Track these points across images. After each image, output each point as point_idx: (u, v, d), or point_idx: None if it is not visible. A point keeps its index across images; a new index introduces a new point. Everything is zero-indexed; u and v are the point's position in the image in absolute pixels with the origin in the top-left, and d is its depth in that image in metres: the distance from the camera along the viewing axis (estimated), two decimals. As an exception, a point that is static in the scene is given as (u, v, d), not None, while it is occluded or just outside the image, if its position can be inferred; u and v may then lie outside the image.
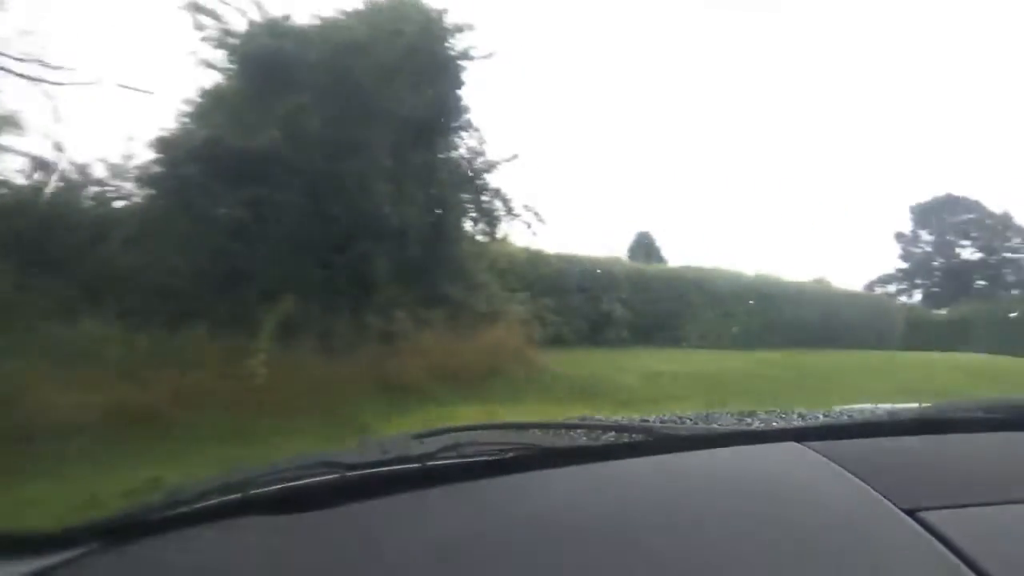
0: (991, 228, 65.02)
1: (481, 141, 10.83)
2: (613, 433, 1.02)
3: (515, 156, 10.89)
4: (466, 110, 10.74)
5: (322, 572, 0.68)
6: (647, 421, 1.10)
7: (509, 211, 10.89)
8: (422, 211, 9.66)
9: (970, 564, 0.61)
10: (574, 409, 7.76)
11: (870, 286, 63.51)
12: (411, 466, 0.85)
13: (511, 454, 0.89)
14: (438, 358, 9.16)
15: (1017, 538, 0.68)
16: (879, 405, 1.31)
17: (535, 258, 15.35)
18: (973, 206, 65.57)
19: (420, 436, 1.05)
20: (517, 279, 13.51)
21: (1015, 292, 43.83)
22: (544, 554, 0.67)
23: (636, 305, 16.40)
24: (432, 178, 10.11)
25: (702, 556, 0.66)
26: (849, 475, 0.79)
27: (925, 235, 68.22)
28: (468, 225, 11.03)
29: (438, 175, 10.22)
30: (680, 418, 1.22)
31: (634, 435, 0.99)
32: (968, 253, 65.18)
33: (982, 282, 57.67)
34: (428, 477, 0.84)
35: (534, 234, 10.90)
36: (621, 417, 1.24)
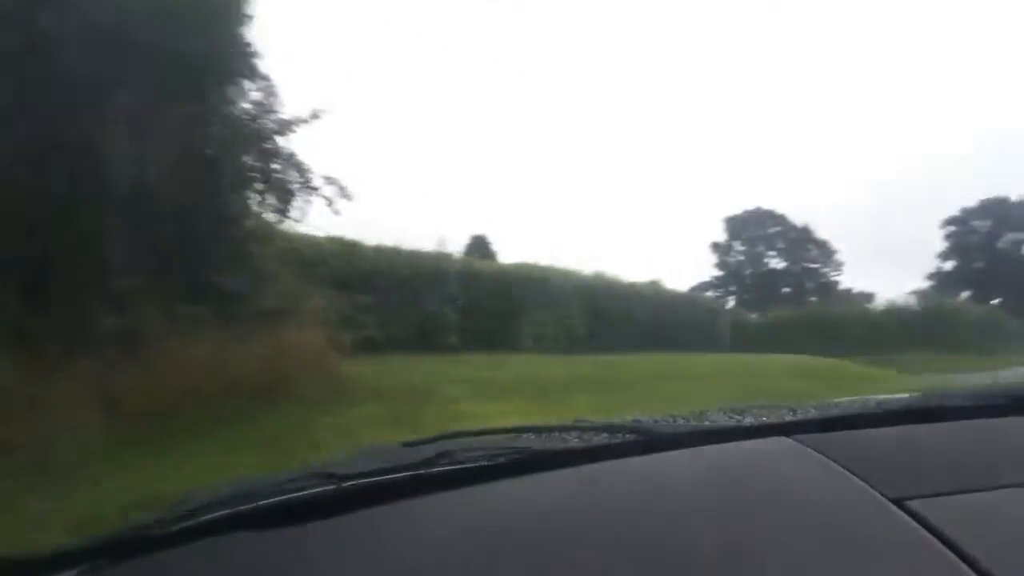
0: (794, 240, 71.29)
1: (272, 95, 8.55)
2: (605, 434, 1.02)
3: (318, 115, 8.76)
4: (254, 55, 8.44)
5: None
6: (639, 421, 1.12)
7: (306, 184, 8.69)
8: (185, 176, 7.25)
9: (957, 551, 0.62)
10: (379, 436, 5.99)
11: (693, 292, 68.43)
12: (406, 474, 0.85)
13: (504, 459, 0.89)
14: (201, 369, 6.88)
15: (1004, 523, 0.69)
16: (869, 397, 1.36)
17: (349, 250, 13.24)
18: (779, 219, 71.32)
19: (413, 444, 1.07)
20: (328, 273, 11.34)
21: (813, 299, 47.91)
22: (541, 557, 0.68)
23: (468, 306, 14.69)
24: (201, 135, 7.72)
25: (696, 553, 0.66)
26: (837, 467, 0.80)
27: (738, 245, 73.74)
28: (253, 200, 8.68)
29: (210, 131, 7.84)
30: (672, 417, 1.24)
31: (626, 435, 0.99)
32: (775, 263, 71.51)
33: (787, 289, 63.15)
34: (424, 485, 0.84)
35: (336, 213, 8.81)
36: (613, 418, 1.21)
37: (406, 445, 1.07)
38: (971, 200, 66.05)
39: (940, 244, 66.83)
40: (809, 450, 0.86)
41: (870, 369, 18.12)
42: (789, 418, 1.07)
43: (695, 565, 0.65)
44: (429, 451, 0.92)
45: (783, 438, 0.92)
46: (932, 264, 66.76)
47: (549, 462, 0.89)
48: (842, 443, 0.88)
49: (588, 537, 0.71)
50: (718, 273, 70.73)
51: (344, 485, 0.82)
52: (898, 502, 0.71)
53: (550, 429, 1.11)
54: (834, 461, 0.82)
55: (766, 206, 69.98)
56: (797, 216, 69.32)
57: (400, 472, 0.85)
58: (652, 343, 18.62)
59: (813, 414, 1.11)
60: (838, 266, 67.89)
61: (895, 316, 34.66)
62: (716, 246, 73.11)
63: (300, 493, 0.83)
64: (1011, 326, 43.84)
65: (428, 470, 0.86)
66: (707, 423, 1.15)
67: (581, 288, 17.99)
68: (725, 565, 0.64)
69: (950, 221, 68.26)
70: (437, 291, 14.18)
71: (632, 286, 20.64)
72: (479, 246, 28.59)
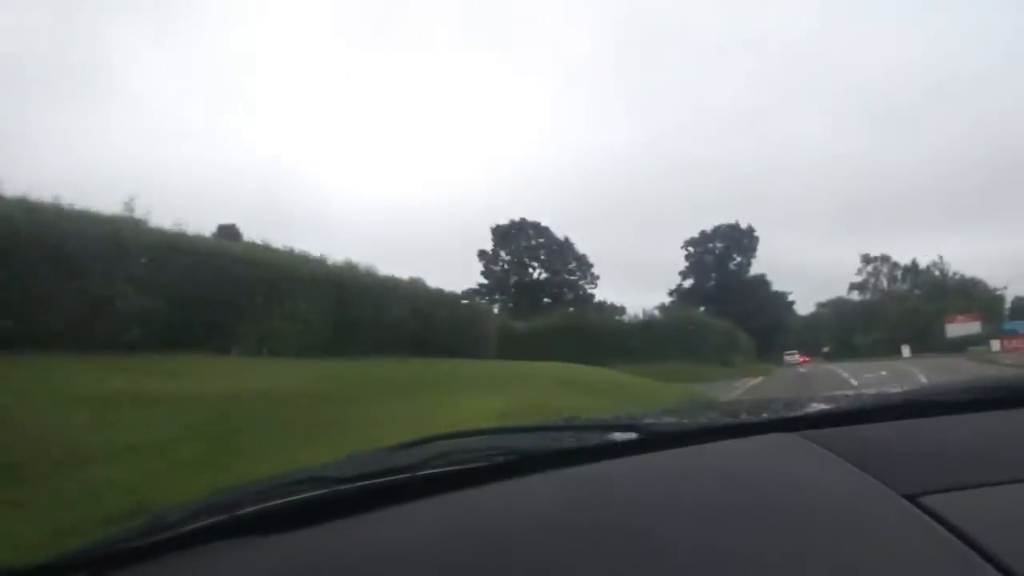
0: (555, 252, 74.34)
1: None
2: (602, 432, 1.03)
3: None
4: None
5: None
6: (634, 418, 1.11)
7: None
8: None
9: (975, 546, 0.59)
10: None
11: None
12: (401, 477, 0.84)
13: (500, 459, 0.88)
14: None
15: (1021, 518, 0.67)
16: (867, 390, 1.40)
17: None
18: (543, 231, 74.25)
19: (405, 446, 1.06)
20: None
21: (571, 309, 49.40)
22: (539, 558, 0.66)
23: (163, 292, 10.94)
24: None
25: (698, 552, 0.64)
26: (844, 462, 0.77)
27: (504, 254, 75.34)
28: None
29: None
30: (668, 414, 1.24)
31: (623, 433, 0.98)
32: (537, 273, 73.92)
33: (548, 299, 65.12)
34: (419, 487, 0.83)
35: None
36: (608, 416, 1.23)
37: (400, 447, 1.06)
38: (707, 224, 75.02)
39: (681, 263, 75.05)
40: (814, 446, 0.84)
41: (636, 378, 17.43)
42: (788, 414, 1.06)
43: (697, 566, 0.62)
44: (423, 453, 0.92)
45: (785, 434, 0.90)
46: (673, 281, 74.35)
47: (546, 462, 0.88)
48: (847, 438, 0.86)
49: (586, 538, 0.69)
50: (484, 281, 72.35)
51: (339, 489, 0.82)
52: (911, 498, 0.68)
53: (546, 428, 1.10)
54: (840, 456, 0.79)
55: (531, 218, 72.60)
56: (559, 229, 72.76)
57: (394, 475, 0.85)
58: (410, 347, 16.17)
59: (812, 409, 1.11)
60: (594, 279, 72.30)
61: (646, 327, 36.29)
62: (483, 254, 74.58)
63: (293, 498, 0.82)
64: (741, 338, 49.06)
65: (422, 472, 0.85)
66: (704, 420, 1.15)
67: (325, 279, 14.88)
68: (732, 564, 0.62)
69: (690, 243, 76.33)
70: (113, 268, 10.29)
71: (391, 281, 17.91)
72: (228, 235, 24.05)
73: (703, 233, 73.64)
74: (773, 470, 0.81)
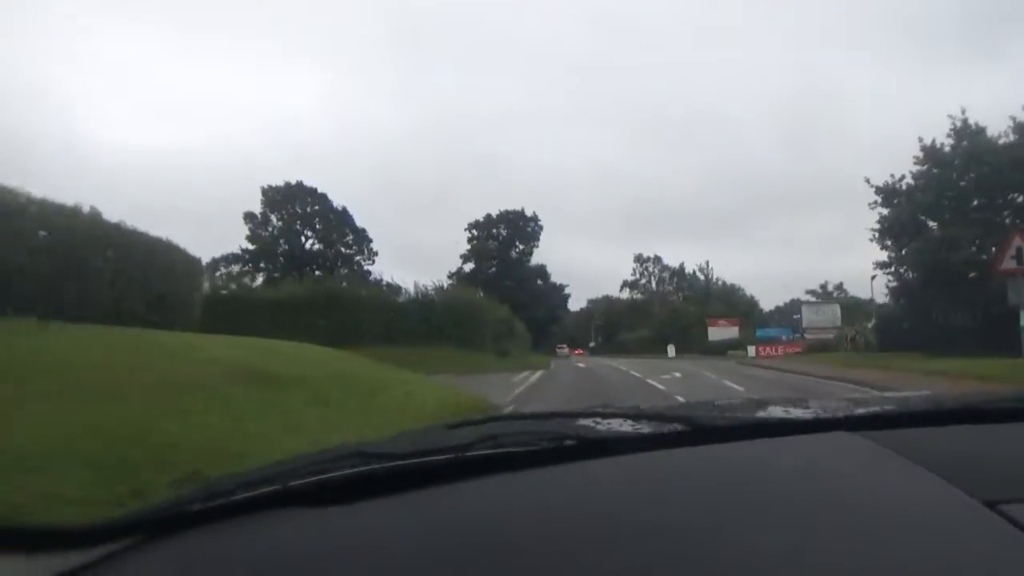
0: (332, 222, 68.01)
1: None
2: (654, 423, 1.00)
3: None
4: None
5: (360, 564, 0.68)
6: (688, 410, 1.11)
7: None
8: None
9: None
10: None
11: (214, 264, 59.71)
12: (448, 456, 0.84)
13: (550, 444, 0.88)
14: None
15: None
16: (919, 393, 1.34)
17: None
18: (320, 198, 67.35)
19: (455, 426, 1.06)
20: None
21: (343, 284, 43.58)
22: (584, 546, 0.66)
23: None
24: None
25: (753, 552, 0.62)
26: (915, 465, 0.75)
27: (274, 219, 67.48)
28: None
29: None
30: (722, 407, 1.23)
31: (675, 425, 0.96)
32: (310, 243, 67.12)
33: (318, 272, 58.50)
34: (466, 468, 0.83)
35: None
36: (662, 406, 1.22)
37: (450, 427, 1.06)
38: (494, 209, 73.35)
39: (463, 246, 72.61)
40: (879, 446, 0.81)
41: (381, 367, 12.78)
42: (850, 412, 1.03)
43: (755, 564, 0.60)
44: (473, 434, 0.91)
45: (844, 432, 0.88)
46: (455, 264, 71.63)
47: (596, 450, 0.87)
48: (915, 440, 0.84)
49: (635, 528, 0.68)
50: (249, 247, 64.24)
51: (387, 466, 0.83)
52: (991, 504, 0.66)
53: (595, 415, 1.08)
54: (909, 459, 0.77)
55: (309, 182, 65.58)
56: (337, 198, 66.59)
57: (441, 455, 0.85)
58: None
59: (873, 409, 1.09)
60: (372, 255, 67.04)
61: (422, 307, 31.56)
62: (250, 217, 66.29)
63: (344, 472, 0.83)
64: (518, 328, 47.04)
65: (470, 453, 0.85)
66: (760, 414, 1.14)
67: None
68: (790, 565, 0.59)
69: (474, 226, 73.87)
70: None
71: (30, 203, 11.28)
72: None
73: (488, 217, 71.13)
74: (834, 469, 0.79)
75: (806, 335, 47.66)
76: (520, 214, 70.97)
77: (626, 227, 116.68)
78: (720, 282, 79.16)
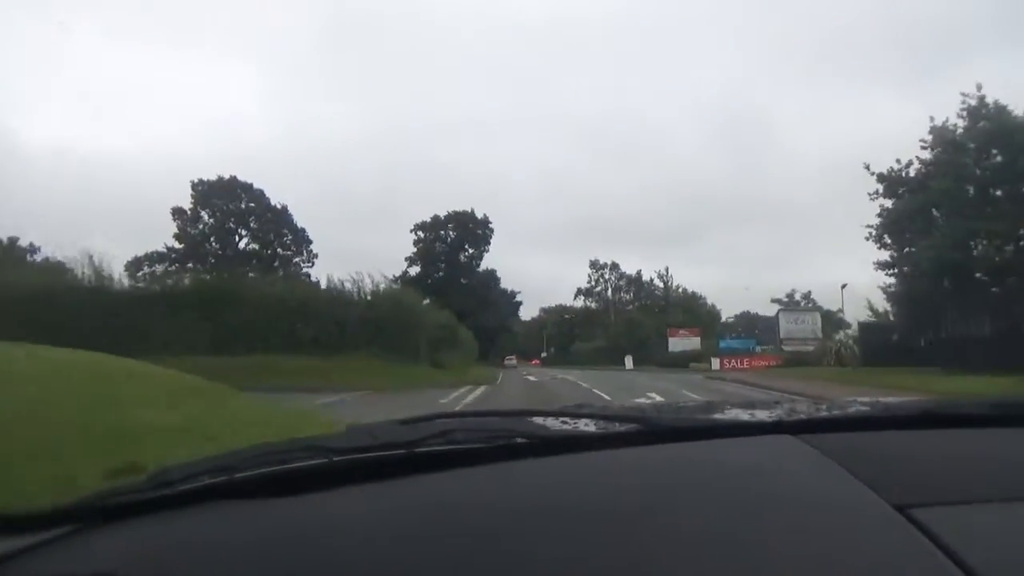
0: (270, 221, 63.15)
1: None
2: (604, 422, 1.02)
3: None
4: None
5: (307, 557, 0.68)
6: (642, 411, 1.13)
7: None
8: None
9: (960, 564, 0.60)
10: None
11: (136, 263, 54.13)
12: (399, 452, 0.84)
13: (501, 442, 0.88)
14: None
15: (1011, 538, 0.67)
16: (875, 400, 1.36)
17: None
18: (256, 195, 62.57)
19: (408, 422, 1.05)
20: None
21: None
22: (533, 543, 0.67)
23: None
24: None
25: (691, 547, 0.66)
26: (840, 469, 0.78)
27: (205, 216, 62.37)
28: None
29: None
30: (673, 408, 1.31)
31: (626, 424, 0.98)
32: (244, 242, 62.08)
33: (252, 273, 53.30)
34: (417, 464, 0.83)
35: None
36: (617, 407, 1.41)
37: (403, 423, 1.05)
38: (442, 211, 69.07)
39: (410, 249, 68.11)
40: (813, 450, 0.85)
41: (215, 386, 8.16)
42: (793, 417, 1.06)
43: (690, 559, 0.64)
44: (425, 430, 0.91)
45: (787, 436, 0.91)
46: (400, 268, 66.94)
47: (546, 448, 0.88)
48: (846, 445, 0.87)
49: (582, 525, 0.69)
50: (176, 245, 59.06)
51: (337, 460, 0.82)
52: (901, 508, 0.69)
53: (548, 414, 1.09)
54: (836, 462, 0.80)
55: (243, 177, 60.55)
56: (277, 199, 61.86)
57: (392, 450, 0.85)
58: None
59: (819, 414, 1.11)
60: (312, 257, 62.57)
61: (333, 310, 26.11)
62: (179, 212, 61.09)
63: (294, 465, 0.82)
64: (463, 336, 42.91)
65: (421, 449, 0.85)
66: (710, 416, 1.19)
67: None
68: (721, 561, 0.64)
69: (420, 227, 68.97)
70: None
71: None
72: None
73: (435, 219, 66.60)
74: (770, 471, 0.81)
75: (784, 346, 43.95)
76: (470, 216, 66.68)
77: (579, 238, 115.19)
78: (680, 289, 74.17)
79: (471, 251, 67.34)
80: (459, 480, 0.81)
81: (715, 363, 42.31)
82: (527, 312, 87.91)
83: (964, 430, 0.98)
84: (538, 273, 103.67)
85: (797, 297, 54.37)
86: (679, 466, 0.85)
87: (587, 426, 1.00)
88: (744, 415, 1.13)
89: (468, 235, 66.44)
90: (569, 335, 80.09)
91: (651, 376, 33.05)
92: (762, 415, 1.10)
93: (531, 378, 30.38)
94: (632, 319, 65.03)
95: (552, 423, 1.03)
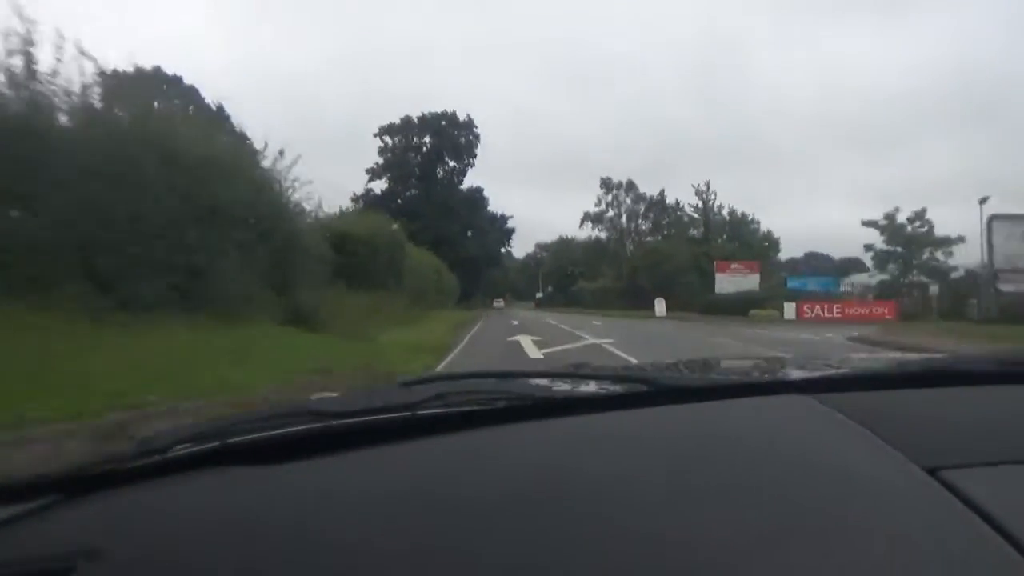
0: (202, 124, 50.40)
1: None
2: (610, 383, 1.00)
3: None
4: None
5: (303, 524, 0.65)
6: (645, 371, 1.10)
7: None
8: None
9: (995, 525, 0.58)
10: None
11: None
12: (398, 415, 0.82)
13: (503, 404, 0.87)
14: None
15: None
16: (884, 355, 1.51)
17: None
18: (186, 92, 49.75)
19: (409, 384, 1.03)
20: None
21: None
22: (537, 507, 0.65)
23: None
24: None
25: (704, 513, 0.63)
26: (863, 429, 0.75)
27: (119, 113, 49.33)
28: None
29: None
30: (680, 368, 1.24)
31: (632, 385, 0.96)
32: None
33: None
34: (416, 427, 0.81)
35: None
36: (619, 366, 1.24)
37: (403, 385, 1.02)
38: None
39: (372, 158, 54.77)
40: (830, 410, 0.81)
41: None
42: (807, 375, 1.04)
43: (704, 524, 0.61)
44: (423, 393, 0.88)
45: (803, 396, 0.87)
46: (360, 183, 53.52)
47: (550, 410, 0.86)
48: (866, 404, 0.83)
49: (588, 488, 0.67)
50: None
51: (334, 423, 0.80)
52: (932, 471, 0.66)
53: (552, 375, 1.08)
54: (858, 423, 0.77)
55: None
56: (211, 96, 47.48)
57: (391, 413, 0.83)
58: None
59: (831, 371, 1.08)
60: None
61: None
62: (84, 110, 47.85)
63: (289, 429, 0.81)
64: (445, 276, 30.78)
65: (422, 412, 0.83)
66: (715, 376, 1.14)
67: None
68: (738, 526, 0.60)
69: (388, 130, 55.14)
70: None
71: None
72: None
73: (407, 121, 52.59)
74: (785, 432, 0.79)
75: (1001, 283, 25.35)
76: (450, 117, 52.63)
77: (577, 172, 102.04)
78: (724, 211, 52.01)
79: (452, 164, 53.63)
80: (459, 443, 0.79)
81: (788, 310, 29.40)
82: (521, 249, 75.40)
83: (981, 387, 0.93)
84: (530, 209, 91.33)
85: (901, 219, 36.89)
86: (688, 428, 0.82)
87: (588, 386, 0.99)
88: (755, 373, 1.10)
89: (448, 142, 52.51)
90: (571, 273, 67.06)
91: (699, 329, 20.45)
92: (774, 373, 1.09)
93: (524, 341, 16.12)
94: (657, 249, 49.20)
95: (554, 384, 1.01)
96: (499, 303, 61.87)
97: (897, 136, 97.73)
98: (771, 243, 52.37)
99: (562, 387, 1.00)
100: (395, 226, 26.03)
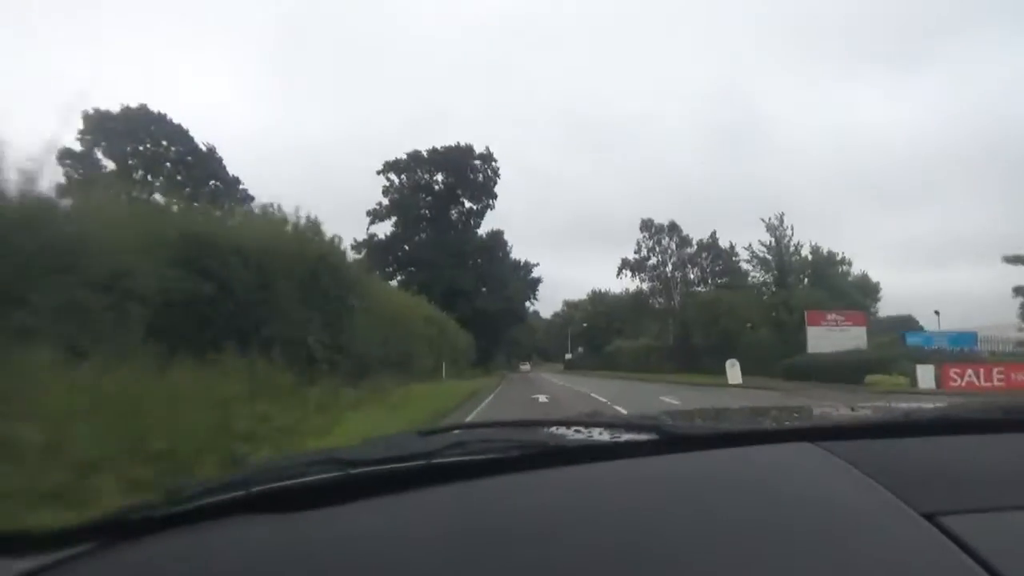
0: (191, 166, 45.10)
1: None
2: (622, 431, 1.01)
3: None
4: None
5: (325, 570, 0.68)
6: (656, 419, 1.11)
7: None
8: None
9: (991, 571, 0.59)
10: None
11: None
12: (417, 464, 0.85)
13: (518, 452, 0.88)
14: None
15: None
16: (893, 404, 1.33)
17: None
18: (174, 132, 44.28)
19: (426, 433, 1.06)
20: None
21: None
22: (551, 554, 0.67)
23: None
24: None
25: (712, 558, 0.65)
26: (865, 477, 0.77)
27: (102, 156, 44.13)
28: None
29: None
30: (692, 417, 1.25)
31: (643, 433, 0.97)
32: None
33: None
34: (434, 475, 0.83)
35: None
36: (630, 415, 1.21)
37: (421, 434, 1.06)
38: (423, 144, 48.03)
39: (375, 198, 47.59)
40: (835, 457, 0.83)
41: None
42: (812, 423, 1.05)
43: (713, 570, 0.63)
44: (442, 441, 0.91)
45: (807, 444, 0.89)
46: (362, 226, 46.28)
47: (564, 458, 0.88)
48: (869, 452, 0.85)
49: (600, 536, 0.69)
50: None
51: (354, 472, 0.82)
52: (930, 517, 0.68)
53: (565, 424, 1.09)
54: (860, 470, 0.79)
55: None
56: (201, 137, 42.72)
57: (410, 461, 0.85)
58: None
59: (838, 420, 1.10)
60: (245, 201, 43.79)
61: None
62: (67, 154, 42.60)
63: (311, 478, 0.83)
64: (454, 335, 22.75)
65: (439, 460, 0.85)
66: (727, 425, 1.15)
67: None
68: (744, 570, 0.63)
69: (393, 166, 47.44)
70: None
71: None
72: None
73: (415, 155, 45.69)
74: (792, 480, 0.81)
75: None
76: (465, 151, 45.67)
77: (602, 235, 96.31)
78: (804, 248, 40.26)
79: (468, 205, 46.53)
80: (477, 491, 0.81)
81: (924, 374, 21.03)
82: (547, 310, 67.83)
83: (984, 436, 0.95)
84: (556, 269, 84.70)
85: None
86: (699, 475, 0.83)
87: (601, 435, 0.99)
88: (762, 422, 1.11)
89: (463, 180, 45.58)
90: (607, 329, 58.80)
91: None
92: (780, 422, 1.09)
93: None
94: (717, 300, 39.12)
95: (567, 432, 1.03)
96: (525, 366, 58.06)
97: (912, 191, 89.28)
98: (868, 290, 42.79)
99: (576, 436, 1.00)
100: (343, 242, 16.38)
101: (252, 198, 39.91)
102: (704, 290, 46.41)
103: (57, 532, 0.77)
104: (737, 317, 35.66)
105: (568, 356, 72.44)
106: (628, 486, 0.81)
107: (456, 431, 1.05)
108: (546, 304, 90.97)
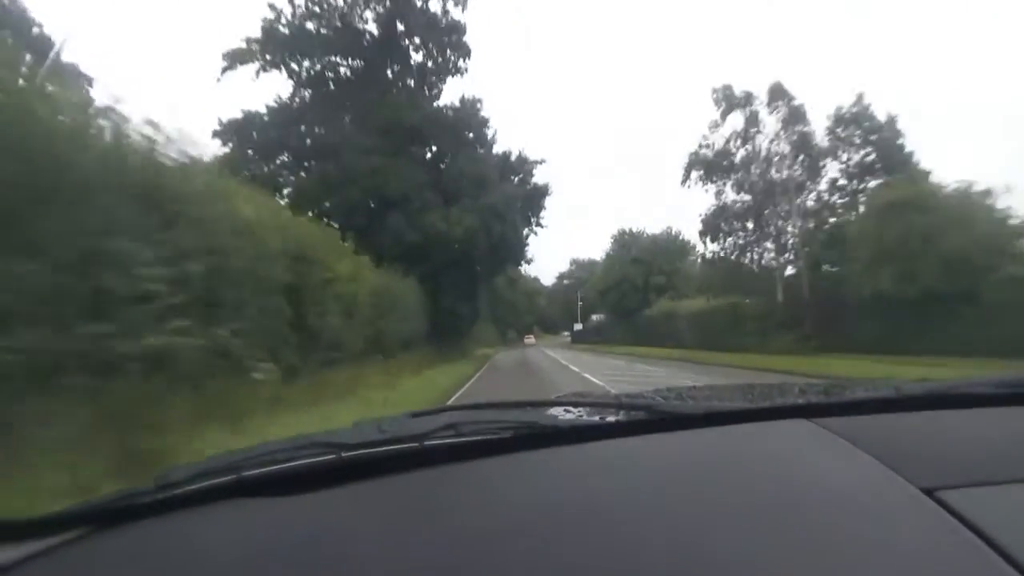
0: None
1: None
2: (614, 411, 1.01)
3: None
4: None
5: (317, 554, 0.68)
6: (648, 398, 1.12)
7: None
8: None
9: (992, 544, 0.60)
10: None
11: None
12: (408, 446, 0.85)
13: (510, 433, 0.89)
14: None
15: None
16: (885, 380, 1.31)
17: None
18: None
19: (418, 415, 1.06)
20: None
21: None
22: (543, 534, 0.67)
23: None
24: None
25: (708, 537, 0.65)
26: (862, 453, 0.78)
27: None
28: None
29: None
30: (682, 395, 1.24)
31: (635, 413, 0.98)
32: None
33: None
34: (426, 457, 0.84)
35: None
36: (622, 395, 1.19)
37: (413, 416, 1.06)
38: None
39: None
40: (831, 434, 0.84)
41: None
42: (808, 400, 1.05)
43: (709, 549, 0.63)
44: (433, 423, 0.91)
45: (804, 420, 0.90)
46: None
47: (555, 438, 0.88)
48: (865, 427, 0.86)
49: (593, 516, 0.70)
50: None
51: (345, 455, 0.82)
52: (929, 492, 0.68)
53: (556, 404, 1.09)
54: (858, 446, 0.79)
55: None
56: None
57: (402, 444, 0.85)
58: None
59: (832, 397, 1.10)
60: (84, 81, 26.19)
61: None
62: None
63: (302, 462, 0.83)
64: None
65: (431, 442, 0.85)
66: (719, 403, 1.13)
67: None
68: (743, 550, 0.62)
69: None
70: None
71: None
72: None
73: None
74: (789, 457, 0.81)
75: None
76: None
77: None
78: None
79: (417, 57, 26.51)
80: (467, 472, 0.82)
81: None
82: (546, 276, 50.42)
83: (979, 410, 0.95)
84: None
85: None
86: (690, 454, 0.84)
87: (592, 415, 1.00)
88: (756, 400, 1.11)
89: (410, 12, 25.37)
90: (645, 286, 39.43)
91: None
92: (775, 399, 1.09)
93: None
94: (927, 196, 17.52)
95: (558, 413, 1.02)
96: (530, 339, 52.99)
97: None
98: None
99: (567, 416, 1.00)
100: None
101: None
102: (845, 201, 25.67)
103: (47, 519, 0.76)
104: (980, 239, 16.13)
105: (577, 326, 53.74)
106: (620, 466, 0.80)
107: (447, 413, 1.03)
108: (543, 269, 73.03)
